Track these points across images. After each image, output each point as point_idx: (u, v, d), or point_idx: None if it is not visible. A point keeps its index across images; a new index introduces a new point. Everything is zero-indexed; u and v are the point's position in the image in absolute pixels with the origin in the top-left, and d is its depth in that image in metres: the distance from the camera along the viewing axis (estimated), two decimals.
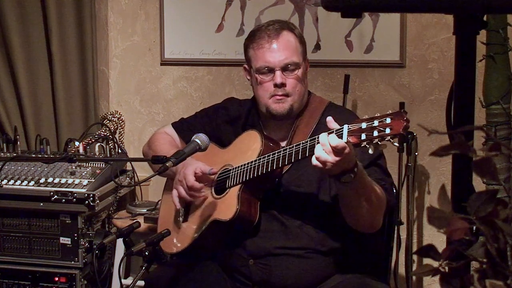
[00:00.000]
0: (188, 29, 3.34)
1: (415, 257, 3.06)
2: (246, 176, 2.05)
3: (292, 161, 1.93)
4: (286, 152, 1.94)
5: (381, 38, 3.13)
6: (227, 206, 2.07)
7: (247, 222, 2.06)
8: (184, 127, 2.40)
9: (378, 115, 1.71)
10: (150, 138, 2.48)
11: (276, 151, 1.98)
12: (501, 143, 0.81)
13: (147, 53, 3.44)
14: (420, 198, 3.18)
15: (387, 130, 1.66)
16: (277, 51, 2.10)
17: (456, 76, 1.09)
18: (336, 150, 1.73)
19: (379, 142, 1.68)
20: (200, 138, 2.07)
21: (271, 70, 2.10)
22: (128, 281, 3.02)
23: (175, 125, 2.45)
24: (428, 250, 0.83)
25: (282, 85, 2.09)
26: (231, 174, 2.12)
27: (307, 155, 1.87)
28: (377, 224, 2.01)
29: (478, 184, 2.53)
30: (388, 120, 1.67)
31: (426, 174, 3.17)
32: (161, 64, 3.42)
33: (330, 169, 1.79)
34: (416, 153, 2.96)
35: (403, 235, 3.01)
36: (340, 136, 1.75)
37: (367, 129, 1.69)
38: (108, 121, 3.42)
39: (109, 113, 3.46)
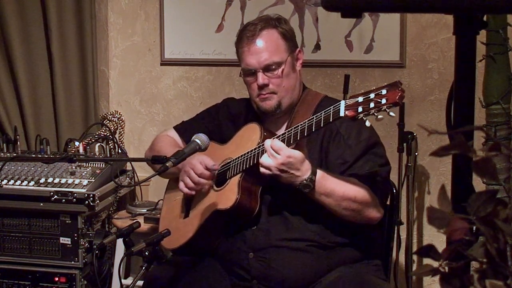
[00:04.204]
0: (188, 29, 3.34)
1: (415, 257, 3.06)
2: (246, 164, 2.06)
3: (291, 142, 1.96)
4: (285, 136, 1.97)
5: (381, 38, 3.13)
6: (228, 196, 2.08)
7: (248, 211, 2.07)
8: (186, 129, 2.42)
9: (374, 88, 1.75)
10: (152, 141, 2.49)
11: (286, 132, 2.01)
12: (501, 143, 0.81)
13: (147, 53, 3.44)
14: (420, 198, 3.18)
15: (383, 101, 1.70)
16: (257, 52, 2.12)
17: (456, 76, 1.09)
18: (274, 149, 1.89)
19: (375, 114, 1.72)
20: (200, 138, 2.08)
21: (254, 72, 2.13)
22: (128, 281, 3.02)
23: (176, 128, 2.47)
24: (428, 250, 0.83)
25: (265, 85, 2.12)
26: (231, 165, 2.13)
27: (305, 134, 1.93)
28: (368, 219, 2.06)
29: (478, 184, 2.53)
30: (384, 92, 1.72)
31: (426, 174, 3.16)
32: (161, 64, 3.42)
33: (281, 177, 1.93)
34: (416, 153, 2.96)
35: (403, 235, 3.01)
36: (337, 111, 1.80)
37: (364, 102, 1.75)
38: (108, 121, 3.42)
39: (109, 113, 3.46)
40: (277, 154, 1.91)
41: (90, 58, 3.33)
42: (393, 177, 2.78)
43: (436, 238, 2.95)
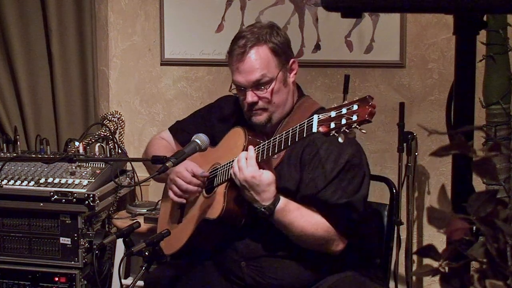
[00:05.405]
0: (188, 29, 3.34)
1: (415, 257, 3.06)
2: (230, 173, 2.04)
3: (276, 151, 1.92)
4: (270, 143, 1.93)
5: (381, 38, 3.13)
6: (215, 205, 2.06)
7: (235, 220, 2.04)
8: (179, 129, 2.40)
9: (346, 102, 1.70)
10: (147, 144, 2.48)
11: (261, 144, 1.97)
12: (501, 143, 0.82)
13: (147, 53, 3.44)
14: (420, 198, 3.18)
15: (354, 117, 1.65)
16: (246, 71, 2.06)
17: (456, 76, 1.08)
18: (247, 162, 1.90)
19: (347, 130, 1.67)
20: (200, 138, 2.08)
21: (244, 89, 2.09)
22: (128, 281, 3.02)
23: (171, 128, 2.45)
24: (428, 250, 0.83)
25: (254, 103, 2.08)
26: (218, 172, 2.11)
27: (282, 148, 1.88)
28: (329, 252, 2.02)
29: (478, 184, 2.53)
30: (355, 107, 1.66)
31: (426, 174, 3.16)
32: (161, 64, 3.42)
33: (244, 191, 1.94)
34: (416, 153, 2.96)
35: (403, 235, 3.01)
36: (310, 126, 1.76)
37: (336, 118, 1.69)
38: (108, 121, 3.42)
39: (109, 113, 3.46)
40: (246, 168, 1.91)
41: (90, 58, 3.33)
42: (393, 177, 2.79)
43: (436, 238, 2.95)
